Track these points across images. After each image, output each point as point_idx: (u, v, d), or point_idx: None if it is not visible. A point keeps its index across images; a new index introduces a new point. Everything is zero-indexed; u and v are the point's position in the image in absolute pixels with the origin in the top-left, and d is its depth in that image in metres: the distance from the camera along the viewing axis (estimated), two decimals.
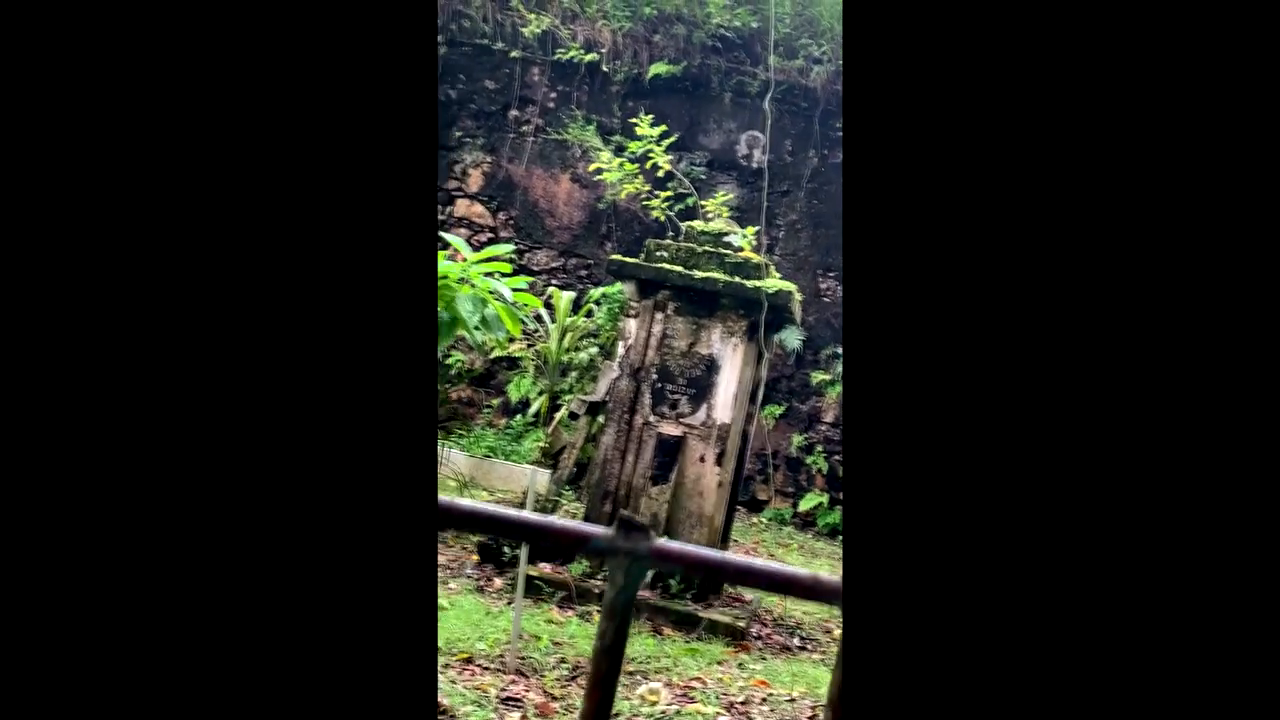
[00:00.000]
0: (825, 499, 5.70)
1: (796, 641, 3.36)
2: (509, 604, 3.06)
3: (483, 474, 4.56)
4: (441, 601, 3.05)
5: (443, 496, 0.48)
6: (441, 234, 4.57)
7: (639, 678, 2.69)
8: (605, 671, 0.39)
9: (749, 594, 3.71)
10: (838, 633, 3.46)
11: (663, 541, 0.40)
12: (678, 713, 2.47)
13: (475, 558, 3.53)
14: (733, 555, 0.41)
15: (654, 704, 2.49)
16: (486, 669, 2.63)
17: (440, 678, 2.48)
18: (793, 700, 2.61)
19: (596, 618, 3.36)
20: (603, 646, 0.39)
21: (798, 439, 5.76)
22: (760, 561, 0.42)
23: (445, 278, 3.54)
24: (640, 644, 2.91)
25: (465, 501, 0.46)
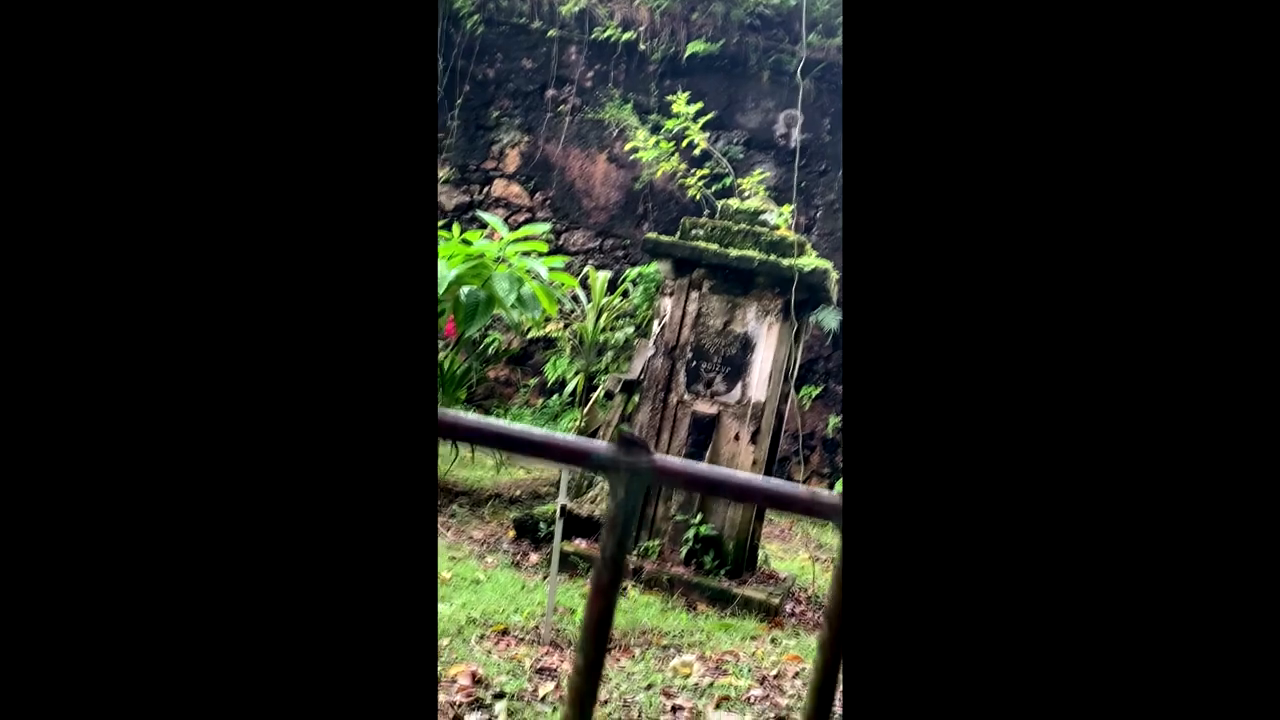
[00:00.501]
0: None
1: None
2: (544, 579, 3.11)
3: None
4: (478, 575, 3.12)
5: (449, 412, 0.50)
6: (479, 214, 4.62)
7: (673, 651, 2.71)
8: (607, 582, 0.40)
9: (783, 572, 3.70)
10: None
11: (661, 457, 0.40)
12: (711, 685, 2.48)
13: (511, 534, 3.59)
14: (731, 472, 0.42)
15: (687, 676, 2.52)
16: (521, 640, 2.68)
17: (476, 648, 2.53)
18: None
19: (631, 592, 3.40)
20: (604, 558, 0.40)
21: (834, 420, 5.71)
22: (759, 479, 0.43)
23: (482, 256, 3.59)
24: (674, 619, 2.94)
25: (471, 416, 0.47)
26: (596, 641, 0.41)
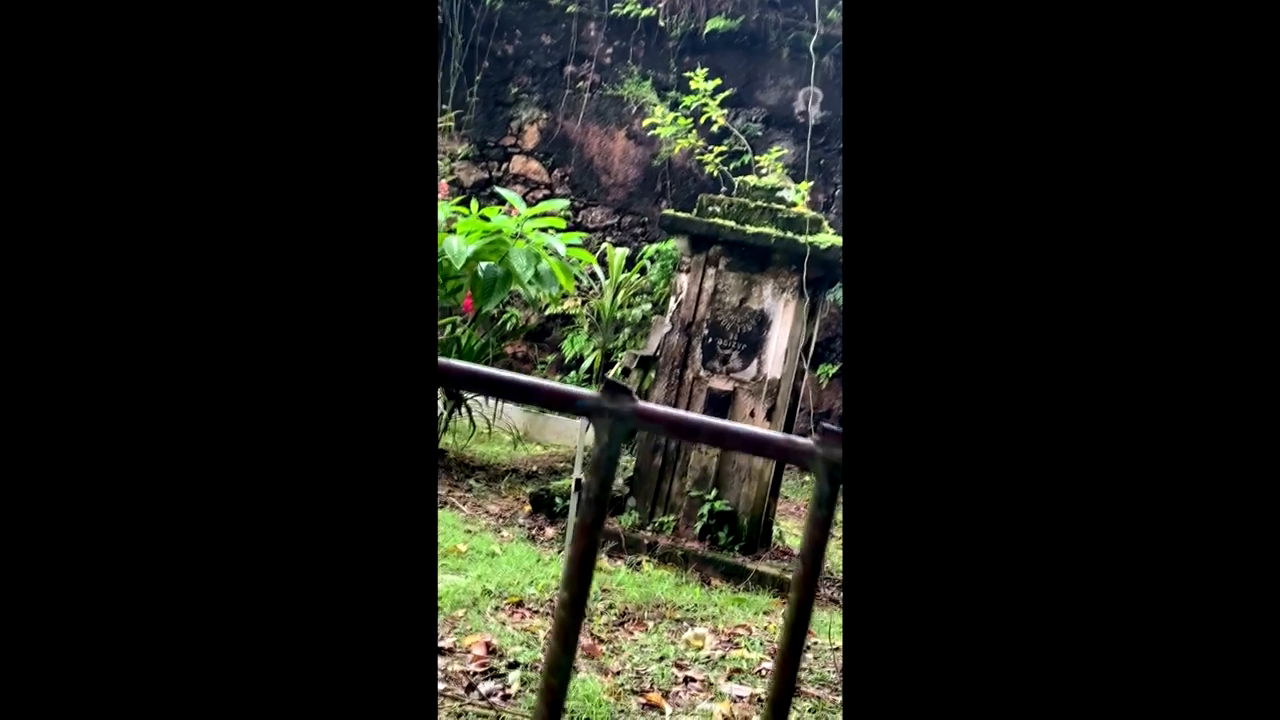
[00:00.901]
0: None
1: (843, 594, 3.36)
2: (559, 552, 3.15)
3: (536, 429, 4.66)
4: (494, 548, 3.16)
5: (442, 360, 0.51)
6: (498, 190, 4.62)
7: (686, 624, 2.75)
8: (591, 520, 0.41)
9: (797, 548, 3.71)
10: None
11: (642, 403, 0.41)
12: (723, 658, 2.51)
13: (528, 508, 3.63)
14: (708, 418, 0.43)
15: (699, 648, 2.55)
16: (536, 612, 2.72)
17: (491, 619, 2.58)
18: (837, 649, 2.63)
19: (646, 567, 3.44)
20: (589, 498, 0.41)
21: None
22: (736, 425, 0.44)
23: (499, 232, 3.60)
24: (688, 593, 2.97)
25: (461, 363, 0.49)
26: (580, 578, 0.42)
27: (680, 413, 0.45)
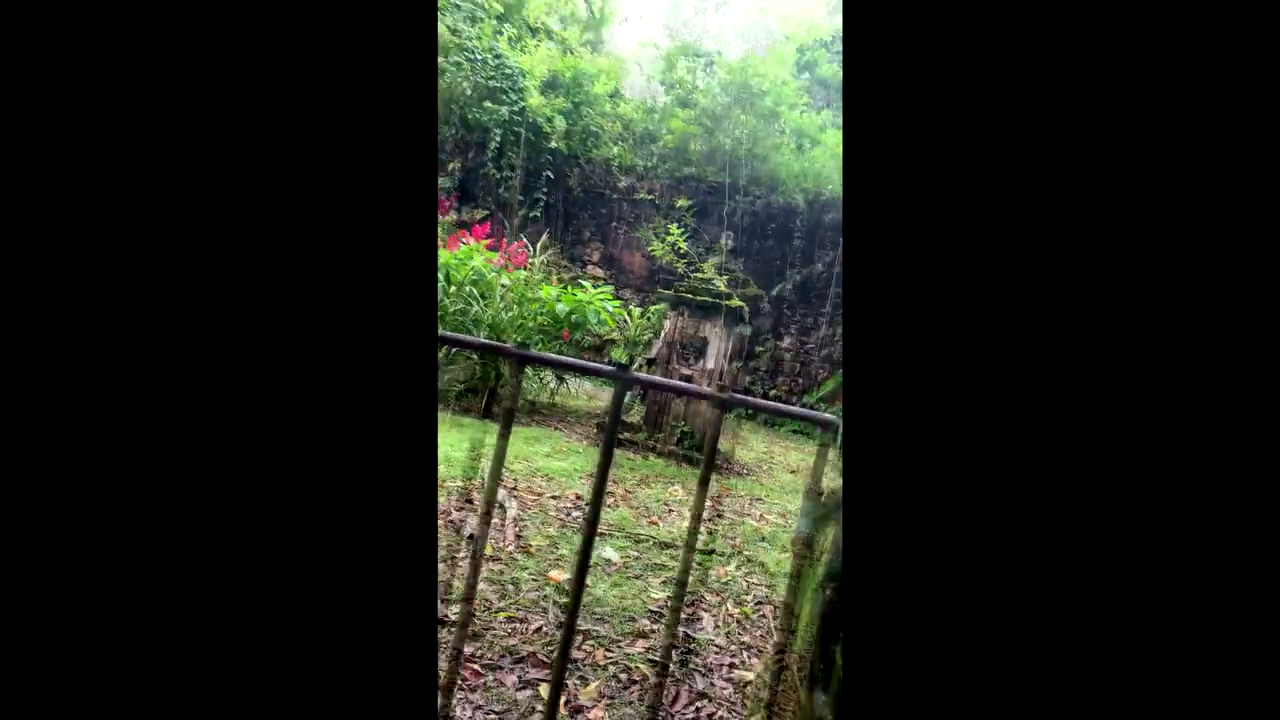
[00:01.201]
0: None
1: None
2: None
3: (601, 395, 8.54)
4: (578, 449, 6.86)
5: (444, 332, 0.65)
6: (579, 280, 8.98)
7: (670, 483, 6.32)
8: (608, 440, 0.66)
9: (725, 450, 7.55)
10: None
11: (634, 373, 0.69)
12: (689, 498, 4.64)
13: (595, 429, 7.42)
14: (670, 380, 0.78)
15: (675, 496, 6.27)
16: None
17: (576, 478, 4.89)
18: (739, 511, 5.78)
19: (650, 457, 7.27)
20: (608, 424, 0.70)
21: (747, 380, 10.67)
22: (680, 383, 0.71)
23: (579, 300, 7.64)
24: (669, 469, 6.08)
25: (565, 358, 0.77)
26: (600, 473, 0.66)
27: (651, 377, 0.69)
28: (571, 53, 12.79)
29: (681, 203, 10.99)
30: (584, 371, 0.84)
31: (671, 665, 2.02)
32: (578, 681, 1.86)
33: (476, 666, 1.87)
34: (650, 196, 11.16)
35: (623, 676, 1.90)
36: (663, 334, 7.50)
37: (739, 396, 0.85)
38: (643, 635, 2.17)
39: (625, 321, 9.36)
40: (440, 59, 10.83)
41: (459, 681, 1.69)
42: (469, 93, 10.76)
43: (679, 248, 9.80)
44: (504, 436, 0.90)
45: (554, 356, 0.80)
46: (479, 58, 10.87)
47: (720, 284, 7.52)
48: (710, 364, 6.93)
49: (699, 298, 7.25)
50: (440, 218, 6.80)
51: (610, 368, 0.84)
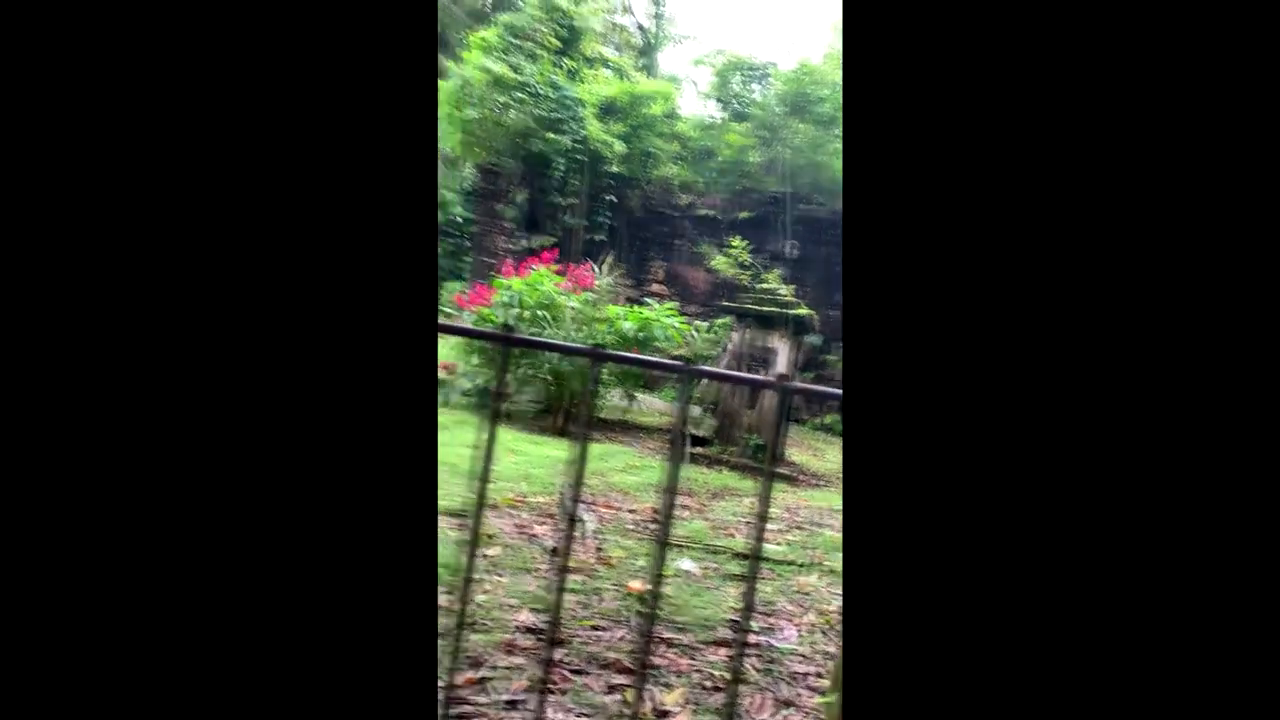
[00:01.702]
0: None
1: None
2: (679, 461, 6.93)
3: (660, 408, 8.59)
4: (651, 463, 6.96)
5: (443, 322, 0.62)
6: (645, 300, 9.08)
7: (740, 497, 6.48)
8: (680, 443, 0.73)
9: (799, 462, 7.42)
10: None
11: (700, 367, 0.79)
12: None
13: (667, 445, 7.47)
14: (734, 372, 1.12)
15: (747, 507, 6.29)
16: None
17: (648, 490, 6.33)
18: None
19: (721, 470, 7.32)
20: (677, 428, 0.84)
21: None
22: (745, 374, 1.03)
23: (646, 319, 7.75)
24: (738, 483, 6.63)
25: (627, 355, 0.84)
26: (671, 477, 0.72)
27: (713, 370, 0.72)
28: (627, 78, 13.07)
29: (742, 215, 11.17)
30: (653, 367, 0.91)
31: (754, 672, 2.04)
32: (663, 687, 1.90)
33: (565, 671, 1.94)
34: (711, 211, 11.31)
35: (706, 684, 1.94)
36: (729, 347, 7.51)
37: (797, 384, 0.90)
38: (724, 644, 2.20)
39: (691, 337, 9.36)
40: (503, 96, 11.23)
41: (549, 685, 1.75)
42: (531, 125, 11.12)
43: (741, 260, 9.85)
44: (583, 442, 0.97)
45: (626, 354, 0.88)
46: (539, 92, 11.24)
47: (785, 294, 7.49)
48: (776, 370, 7.17)
49: (764, 309, 7.20)
50: (539, 266, 7.10)
51: (677, 362, 0.94)
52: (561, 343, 0.88)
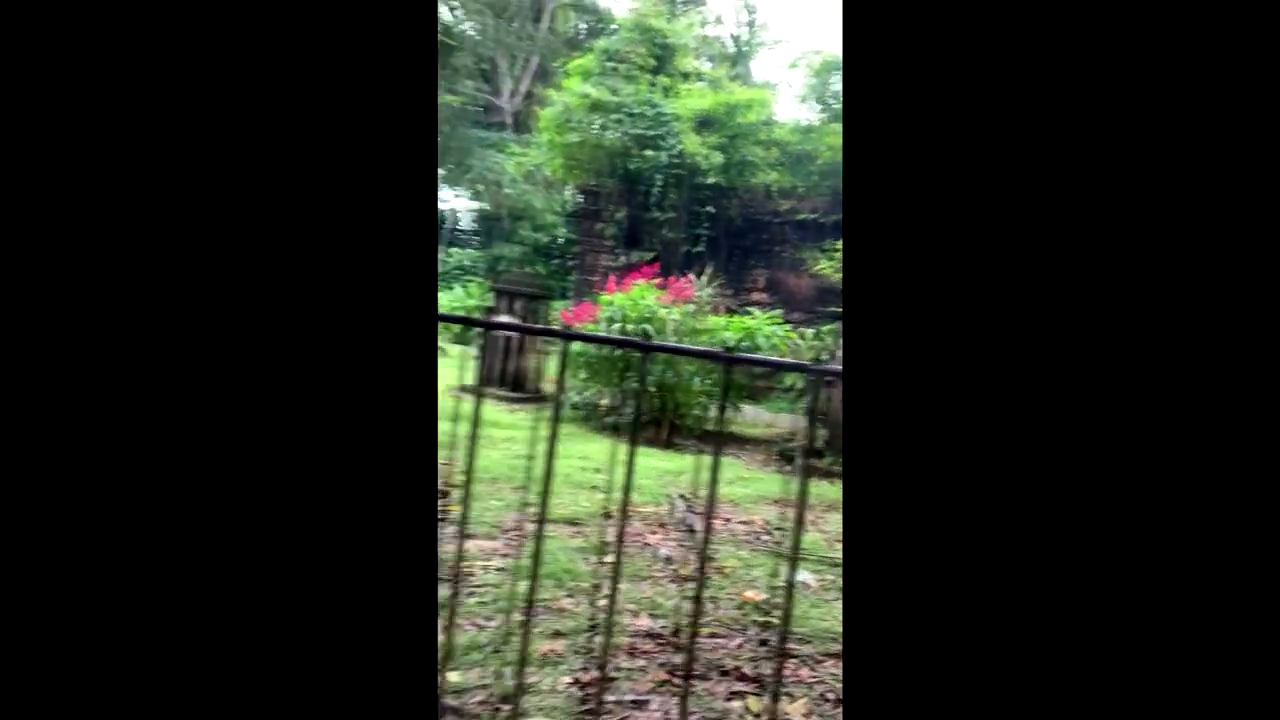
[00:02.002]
0: None
1: None
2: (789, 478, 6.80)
3: (766, 420, 8.47)
4: (760, 477, 6.87)
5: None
6: (748, 309, 9.01)
7: None
8: (802, 454, 1.37)
9: None
10: None
11: (823, 366, 0.86)
12: None
13: (778, 458, 7.36)
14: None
15: None
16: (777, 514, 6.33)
17: (762, 505, 6.27)
18: None
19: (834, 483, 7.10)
20: (806, 436, 1.24)
21: None
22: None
23: (748, 328, 7.67)
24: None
25: (755, 354, 1.58)
26: (803, 477, 0.77)
27: (837, 367, 0.71)
28: (721, 89, 13.08)
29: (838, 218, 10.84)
30: (783, 368, 0.92)
31: None
32: (786, 696, 1.88)
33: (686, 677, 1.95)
34: (812, 215, 11.14)
35: (829, 695, 1.91)
36: (838, 353, 7.33)
37: None
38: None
39: (796, 345, 9.15)
40: (601, 118, 11.49)
41: (670, 689, 1.77)
42: (629, 144, 11.34)
43: None
44: (714, 455, 0.99)
45: (756, 357, 0.89)
46: (635, 111, 11.46)
47: None
48: None
49: None
50: (640, 281, 7.28)
51: (808, 364, 0.94)
52: (694, 347, 0.91)
